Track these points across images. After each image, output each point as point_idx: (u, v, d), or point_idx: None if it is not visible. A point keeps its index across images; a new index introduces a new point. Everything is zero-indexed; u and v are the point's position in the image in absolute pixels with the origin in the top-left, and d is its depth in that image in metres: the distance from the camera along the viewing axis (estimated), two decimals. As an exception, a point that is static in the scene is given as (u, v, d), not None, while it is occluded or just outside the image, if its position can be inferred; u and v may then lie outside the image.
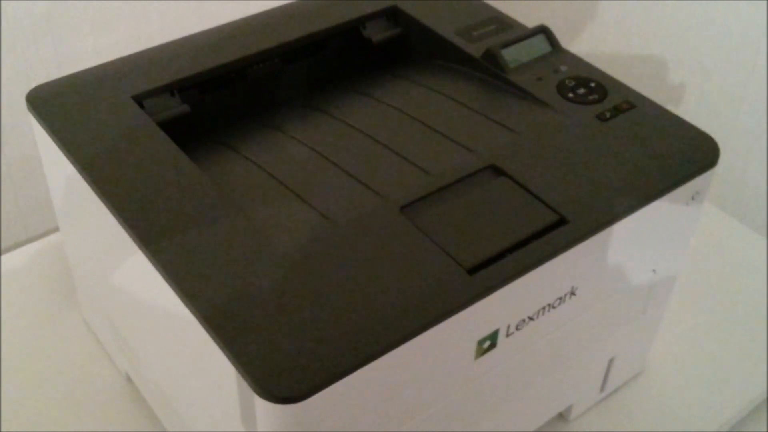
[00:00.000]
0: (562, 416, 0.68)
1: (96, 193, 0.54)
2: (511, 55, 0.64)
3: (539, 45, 0.65)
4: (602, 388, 0.68)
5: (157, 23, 0.90)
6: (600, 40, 1.04)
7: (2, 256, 0.82)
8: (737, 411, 0.70)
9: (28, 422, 0.68)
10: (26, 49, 0.83)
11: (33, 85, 0.61)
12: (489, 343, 0.52)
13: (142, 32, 0.89)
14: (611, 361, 0.66)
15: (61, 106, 0.59)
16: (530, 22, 0.68)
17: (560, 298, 0.54)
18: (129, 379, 0.70)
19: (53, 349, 0.73)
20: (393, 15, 0.69)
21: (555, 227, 0.52)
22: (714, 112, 0.96)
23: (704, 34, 0.94)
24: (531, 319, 0.53)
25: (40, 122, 0.59)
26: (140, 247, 0.50)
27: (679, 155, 0.57)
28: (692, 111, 0.97)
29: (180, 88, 0.61)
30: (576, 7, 1.05)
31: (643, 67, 1.01)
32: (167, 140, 0.57)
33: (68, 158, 0.56)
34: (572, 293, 0.55)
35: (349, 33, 0.68)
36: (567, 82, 0.62)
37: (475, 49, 0.65)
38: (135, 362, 0.66)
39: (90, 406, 0.69)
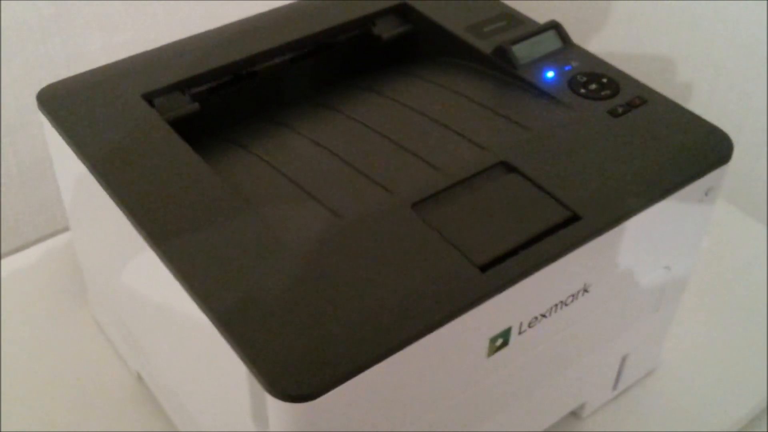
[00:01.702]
0: (575, 414, 0.68)
1: (106, 191, 0.54)
2: (522, 51, 0.63)
3: (550, 41, 0.64)
4: (615, 386, 0.68)
5: (165, 22, 0.90)
6: (610, 35, 1.04)
7: (13, 255, 0.82)
8: (751, 408, 0.70)
9: (38, 422, 0.68)
10: (35, 48, 0.83)
11: (42, 84, 0.61)
12: (501, 340, 0.51)
13: (150, 31, 0.89)
14: (624, 358, 0.65)
15: (71, 105, 0.59)
16: (540, 17, 0.67)
17: (573, 296, 0.54)
18: (140, 378, 0.70)
19: (63, 348, 0.73)
20: (403, 12, 0.69)
21: (567, 224, 0.51)
22: (725, 107, 0.95)
23: (715, 28, 0.93)
24: (543, 316, 0.53)
25: (50, 121, 0.59)
26: (151, 246, 0.50)
27: (692, 151, 0.57)
28: (703, 106, 0.97)
29: (190, 86, 0.61)
30: (586, 3, 1.04)
31: (653, 62, 1.01)
32: (177, 138, 0.56)
33: (79, 157, 0.56)
34: (585, 290, 0.54)
35: (359, 30, 0.68)
36: (578, 77, 0.62)
37: (485, 46, 0.64)
38: (146, 361, 0.66)
39: (100, 405, 0.69)
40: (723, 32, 0.93)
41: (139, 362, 0.68)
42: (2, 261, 0.81)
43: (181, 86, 0.61)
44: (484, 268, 0.48)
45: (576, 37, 0.66)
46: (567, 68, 0.62)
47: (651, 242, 0.57)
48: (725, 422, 0.69)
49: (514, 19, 0.67)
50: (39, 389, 0.70)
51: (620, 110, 0.59)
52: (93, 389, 0.70)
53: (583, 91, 0.60)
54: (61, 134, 0.58)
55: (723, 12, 0.92)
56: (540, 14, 0.70)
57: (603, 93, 0.60)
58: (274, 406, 0.44)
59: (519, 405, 0.58)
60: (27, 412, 0.68)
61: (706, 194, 0.58)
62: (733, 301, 0.78)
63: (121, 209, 0.52)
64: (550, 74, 0.62)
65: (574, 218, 0.52)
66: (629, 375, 0.68)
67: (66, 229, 0.82)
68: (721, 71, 0.95)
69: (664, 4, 0.97)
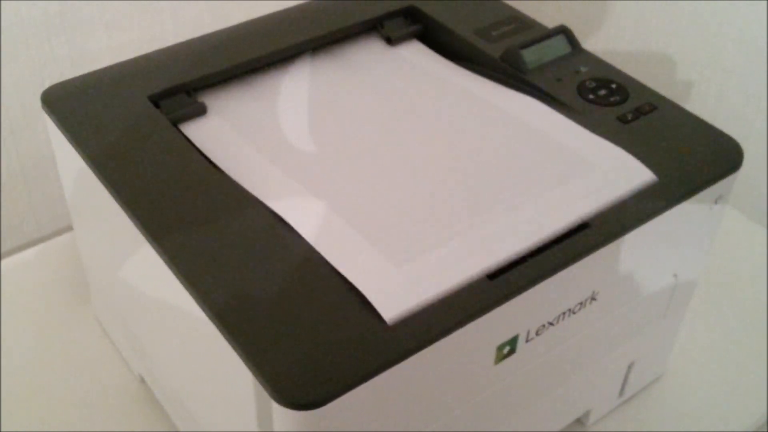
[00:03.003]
0: (580, 422, 0.67)
1: (110, 192, 0.53)
2: (531, 55, 0.63)
3: (559, 45, 0.64)
4: (621, 393, 0.67)
5: (170, 23, 0.89)
6: (616, 39, 1.03)
7: (15, 255, 0.82)
8: (759, 416, 0.69)
9: (40, 423, 0.67)
10: (39, 46, 0.83)
11: (47, 83, 0.61)
12: (508, 348, 0.51)
13: (156, 31, 0.89)
14: (631, 365, 0.65)
15: (76, 106, 0.59)
16: (548, 21, 0.67)
17: (581, 304, 0.53)
18: (142, 381, 0.70)
19: (66, 349, 0.73)
20: (411, 14, 0.69)
21: (576, 232, 0.51)
22: (733, 113, 0.95)
23: (723, 32, 0.93)
24: (551, 324, 0.52)
25: (55, 122, 0.58)
26: (154, 248, 0.50)
27: (702, 158, 0.56)
28: (711, 111, 0.96)
29: (196, 87, 0.61)
30: (592, 7, 1.04)
31: (661, 66, 1.00)
32: (183, 141, 0.56)
33: (83, 158, 0.56)
34: (593, 298, 0.54)
35: (367, 32, 0.68)
36: (587, 83, 0.61)
37: (494, 50, 0.64)
38: (149, 364, 0.65)
39: (102, 407, 0.68)
40: (732, 35, 0.92)
41: (142, 364, 0.67)
42: (4, 260, 0.81)
43: (187, 88, 0.60)
44: (492, 276, 0.48)
45: (582, 39, 0.65)
46: (576, 73, 0.62)
47: (659, 250, 0.57)
48: (731, 429, 0.68)
49: (523, 22, 0.67)
50: (40, 390, 0.70)
51: (630, 116, 0.59)
52: (95, 391, 0.70)
53: (592, 96, 0.60)
54: (65, 135, 0.57)
55: (730, 15, 0.91)
56: (548, 17, 0.70)
57: (612, 99, 0.60)
58: (280, 413, 0.43)
59: (525, 412, 0.58)
60: (28, 414, 0.68)
61: (716, 202, 0.57)
62: (741, 308, 0.77)
63: (125, 211, 0.52)
64: (559, 79, 0.62)
65: (583, 226, 0.51)
66: (635, 382, 0.68)
67: (69, 228, 0.82)
68: (730, 75, 0.94)
69: (671, 7, 0.96)
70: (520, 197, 0.52)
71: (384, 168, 0.54)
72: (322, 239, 0.49)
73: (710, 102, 0.97)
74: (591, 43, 0.66)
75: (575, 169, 0.53)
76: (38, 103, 0.59)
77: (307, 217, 0.50)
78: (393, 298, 0.46)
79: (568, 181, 0.53)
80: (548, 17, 0.70)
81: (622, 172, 0.53)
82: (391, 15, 0.68)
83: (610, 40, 1.04)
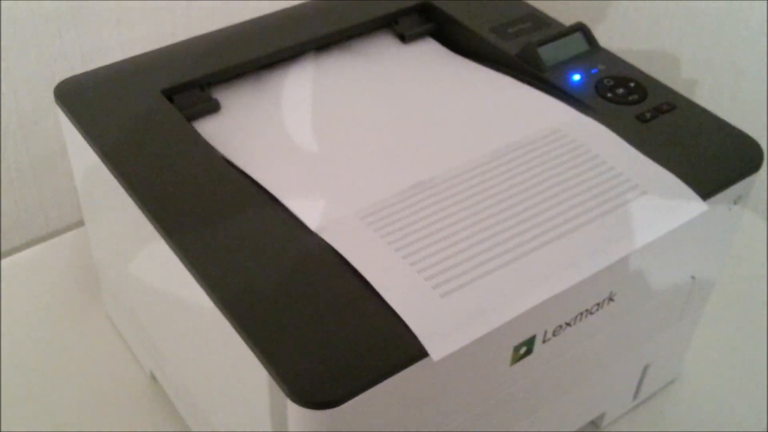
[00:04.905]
0: (594, 424, 0.66)
1: (123, 187, 0.53)
2: (548, 53, 0.62)
3: (577, 43, 0.63)
4: (636, 396, 0.67)
5: (181, 19, 0.89)
6: (629, 38, 1.03)
7: (26, 251, 0.81)
8: (773, 420, 0.69)
9: (50, 421, 0.67)
10: (51, 42, 0.82)
11: (57, 78, 0.60)
12: (525, 348, 0.50)
13: (167, 28, 0.89)
14: (646, 368, 0.64)
15: (89, 100, 0.58)
16: (565, 19, 0.66)
17: (598, 304, 0.53)
18: (153, 378, 0.69)
19: (76, 346, 0.72)
20: (426, 11, 0.68)
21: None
22: (747, 113, 0.94)
23: (738, 32, 0.92)
24: (568, 324, 0.52)
25: (68, 116, 0.58)
26: (167, 242, 0.49)
27: (721, 158, 0.56)
28: (725, 111, 0.96)
29: (210, 82, 0.60)
30: (607, 5, 1.03)
31: (675, 66, 1.00)
32: (197, 134, 0.56)
33: (96, 152, 0.55)
34: (610, 299, 0.53)
35: (381, 29, 0.67)
36: (606, 81, 0.60)
37: (510, 47, 0.63)
38: (160, 361, 0.65)
39: (113, 404, 0.68)
40: (745, 35, 0.92)
41: (154, 361, 0.67)
42: (14, 256, 0.80)
43: (201, 83, 0.60)
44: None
45: (598, 37, 0.65)
46: (594, 71, 0.61)
47: (678, 251, 0.56)
48: (745, 433, 0.68)
49: (540, 20, 0.66)
50: (50, 387, 0.69)
51: (648, 115, 0.58)
52: (106, 388, 0.69)
53: (610, 95, 0.59)
54: (77, 129, 0.57)
55: (745, 14, 0.91)
56: (564, 14, 0.69)
57: (630, 98, 0.59)
58: (295, 412, 0.43)
59: (540, 414, 0.57)
60: (38, 411, 0.68)
61: (735, 202, 0.57)
62: (757, 310, 0.77)
63: (138, 205, 0.52)
64: (577, 77, 0.61)
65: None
66: (650, 384, 0.67)
67: (79, 224, 0.82)
68: (744, 75, 0.94)
69: (685, 6, 0.96)
70: (568, 225, 0.50)
71: (414, 179, 0.52)
72: (364, 259, 0.47)
73: (724, 102, 0.97)
74: (606, 42, 0.65)
75: (625, 197, 0.51)
76: (48, 99, 0.59)
77: (337, 227, 0.49)
78: (441, 338, 0.44)
79: (618, 211, 0.51)
80: (565, 15, 0.70)
81: (673, 202, 0.51)
82: (405, 12, 0.67)
83: (623, 38, 1.03)
